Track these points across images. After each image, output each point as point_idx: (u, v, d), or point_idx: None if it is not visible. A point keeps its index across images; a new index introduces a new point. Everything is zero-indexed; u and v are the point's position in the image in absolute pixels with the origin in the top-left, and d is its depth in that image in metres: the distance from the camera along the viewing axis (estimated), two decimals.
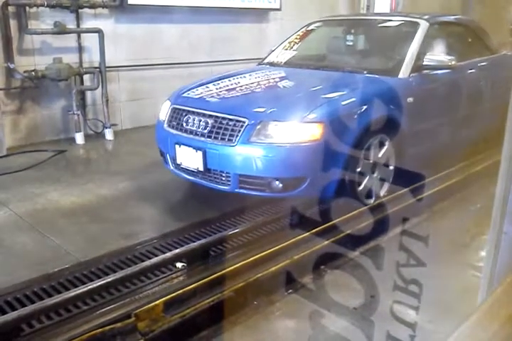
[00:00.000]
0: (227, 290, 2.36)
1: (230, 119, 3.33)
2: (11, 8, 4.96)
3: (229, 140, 3.27)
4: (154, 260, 2.73)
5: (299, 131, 3.18)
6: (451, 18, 5.09)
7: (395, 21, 4.66)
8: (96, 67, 5.61)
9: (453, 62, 3.86)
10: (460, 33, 4.98)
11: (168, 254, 2.80)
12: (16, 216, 3.54)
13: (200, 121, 3.48)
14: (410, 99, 3.73)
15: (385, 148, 3.56)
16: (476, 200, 3.79)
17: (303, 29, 4.95)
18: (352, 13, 6.25)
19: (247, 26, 7.04)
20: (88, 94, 5.74)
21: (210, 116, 3.44)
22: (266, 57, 4.79)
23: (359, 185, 3.44)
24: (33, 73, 5.10)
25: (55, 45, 5.34)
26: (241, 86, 4.04)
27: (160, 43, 6.20)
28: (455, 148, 4.46)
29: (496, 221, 1.48)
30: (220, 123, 3.36)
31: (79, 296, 2.43)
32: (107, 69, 5.66)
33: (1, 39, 4.96)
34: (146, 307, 2.15)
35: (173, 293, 2.28)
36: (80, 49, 5.52)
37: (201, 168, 3.41)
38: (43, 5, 5.06)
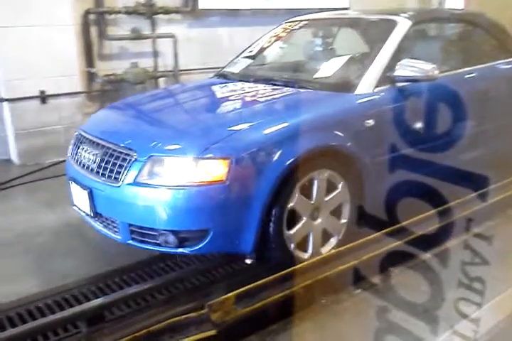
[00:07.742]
0: (296, 286, 2.41)
1: (120, 151, 2.60)
2: (91, 16, 5.27)
3: (115, 178, 2.54)
4: None
5: (197, 169, 2.42)
6: (450, 13, 4.10)
7: (371, 20, 3.69)
8: (170, 71, 5.84)
9: (435, 72, 2.93)
10: (462, 32, 4.05)
11: None
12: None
13: (91, 152, 2.78)
14: (370, 122, 2.87)
15: (324, 186, 2.74)
16: None
17: (270, 33, 4.13)
18: (323, 12, 4.52)
19: None
20: None
21: (103, 146, 2.73)
22: (223, 67, 3.96)
23: (293, 237, 2.67)
24: (112, 77, 5.40)
25: (131, 50, 5.62)
26: (162, 107, 3.34)
27: (230, 46, 6.33)
28: (438, 184, 3.03)
29: None
30: (110, 155, 2.64)
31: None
32: (180, 72, 5.89)
33: (83, 45, 5.27)
34: (219, 299, 2.23)
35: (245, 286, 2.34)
36: (155, 53, 5.75)
37: (89, 212, 2.75)
38: (120, 12, 5.34)
